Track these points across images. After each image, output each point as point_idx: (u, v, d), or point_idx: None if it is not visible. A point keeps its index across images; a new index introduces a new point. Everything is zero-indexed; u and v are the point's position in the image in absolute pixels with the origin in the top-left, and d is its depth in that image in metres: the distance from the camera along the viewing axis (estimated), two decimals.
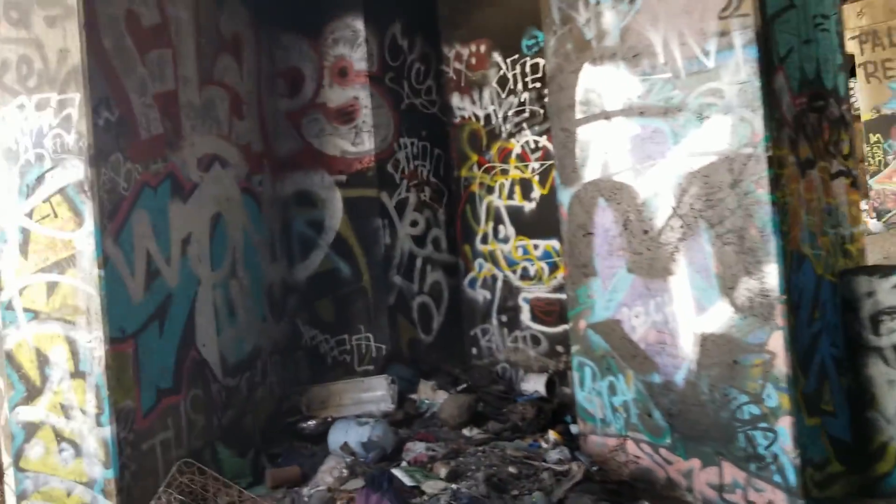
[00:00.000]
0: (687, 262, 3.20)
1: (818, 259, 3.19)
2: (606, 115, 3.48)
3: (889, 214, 16.17)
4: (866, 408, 3.23)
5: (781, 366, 2.91)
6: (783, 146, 3.04)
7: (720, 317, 3.09)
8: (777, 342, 2.92)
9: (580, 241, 3.63)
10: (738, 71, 3.01)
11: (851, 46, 16.53)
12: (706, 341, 3.14)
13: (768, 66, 3.01)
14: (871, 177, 16.93)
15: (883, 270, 3.26)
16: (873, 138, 16.41)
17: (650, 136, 3.31)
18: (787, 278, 2.95)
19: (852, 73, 18.78)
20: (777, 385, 2.92)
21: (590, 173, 3.57)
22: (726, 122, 3.05)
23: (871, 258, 13.51)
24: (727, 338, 3.07)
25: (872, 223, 17.34)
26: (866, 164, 17.24)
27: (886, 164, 16.07)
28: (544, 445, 3.66)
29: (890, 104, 15.93)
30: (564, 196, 3.71)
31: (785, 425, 2.91)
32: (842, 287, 3.29)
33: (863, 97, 16.58)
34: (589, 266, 3.59)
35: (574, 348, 3.69)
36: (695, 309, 3.18)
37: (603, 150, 3.51)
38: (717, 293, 3.10)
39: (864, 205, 17.69)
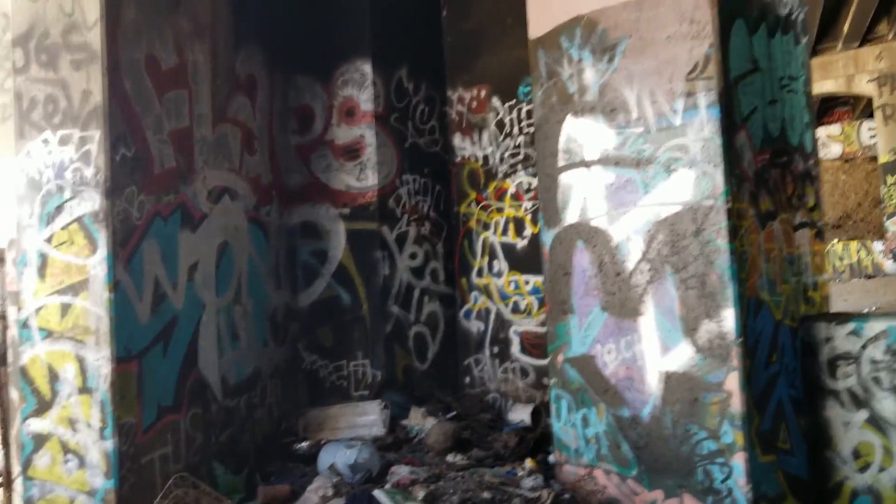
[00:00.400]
0: (654, 303, 3.41)
1: (777, 305, 3.39)
2: (586, 164, 3.72)
3: None
4: (823, 447, 3.41)
5: (737, 405, 3.10)
6: (743, 199, 3.26)
7: (683, 356, 3.29)
8: (733, 382, 3.11)
9: (560, 280, 3.85)
10: (702, 129, 3.24)
11: (870, 89, 16.73)
12: (670, 379, 3.34)
13: (730, 124, 3.24)
14: (888, 218, 17.02)
15: (840, 318, 3.45)
16: (891, 180, 16.52)
17: (624, 184, 3.54)
18: (744, 322, 3.15)
19: (871, 115, 18.91)
20: (733, 422, 3.11)
21: (570, 217, 3.79)
22: (691, 176, 3.27)
23: (885, 300, 13.50)
24: (689, 376, 3.27)
25: (889, 265, 17.37)
26: (883, 205, 17.30)
27: None
28: (520, 473, 3.86)
29: None
30: (547, 237, 3.94)
31: (739, 461, 3.09)
32: (802, 332, 3.49)
33: (881, 139, 16.71)
34: (567, 304, 3.80)
35: (552, 381, 3.90)
36: (660, 348, 3.38)
37: (582, 196, 3.73)
38: (681, 334, 3.30)
39: (880, 246, 17.71)
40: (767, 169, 3.46)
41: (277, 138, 5.14)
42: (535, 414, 4.67)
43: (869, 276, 16.97)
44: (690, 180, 3.28)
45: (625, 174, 3.53)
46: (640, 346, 3.46)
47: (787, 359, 3.40)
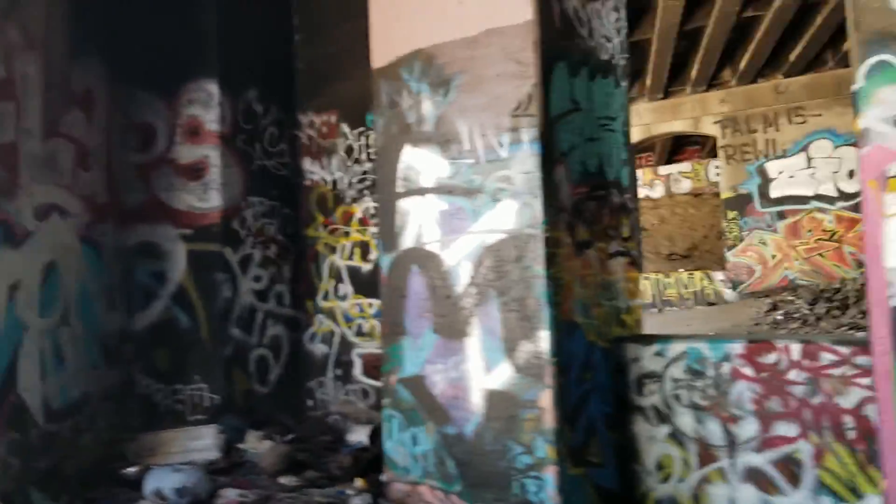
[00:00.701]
0: (480, 325, 3.58)
1: (591, 327, 3.64)
2: (421, 192, 3.86)
3: (743, 285, 17.51)
4: (631, 460, 3.67)
5: (549, 420, 3.30)
6: (560, 229, 3.49)
7: (503, 375, 3.47)
8: (546, 399, 3.31)
9: (395, 303, 3.96)
10: (524, 162, 3.46)
11: (714, 130, 18.07)
12: (492, 397, 3.50)
13: (550, 159, 3.47)
14: (728, 250, 18.36)
15: (647, 339, 3.74)
16: (731, 215, 17.86)
17: (455, 212, 3.70)
18: (558, 343, 3.37)
19: (714, 154, 20.40)
20: (545, 438, 3.31)
21: (406, 242, 3.92)
22: (514, 206, 3.48)
23: (722, 326, 14.51)
24: (508, 394, 3.45)
25: (728, 293, 18.71)
26: (724, 238, 18.68)
27: (741, 239, 17.48)
28: (350, 493, 3.91)
29: (745, 184, 17.45)
30: (385, 261, 4.05)
31: (550, 474, 3.28)
32: (614, 352, 3.76)
33: (723, 177, 18.09)
34: (401, 326, 3.91)
35: (385, 401, 3.99)
36: (484, 368, 3.54)
37: (418, 222, 3.87)
38: (502, 354, 3.48)
39: (721, 276, 19.04)
40: (585, 201, 3.72)
41: (116, 155, 5.00)
42: (374, 434, 4.74)
43: (710, 304, 18.21)
44: (514, 210, 3.48)
45: (457, 202, 3.70)
46: (467, 366, 3.61)
47: (599, 377, 3.65)
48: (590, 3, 3.96)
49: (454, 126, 3.73)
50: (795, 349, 3.29)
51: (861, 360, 3.10)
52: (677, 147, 25.34)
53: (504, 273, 3.50)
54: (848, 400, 3.15)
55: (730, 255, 18.12)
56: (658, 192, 26.78)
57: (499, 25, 3.58)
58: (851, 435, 3.13)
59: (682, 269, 19.84)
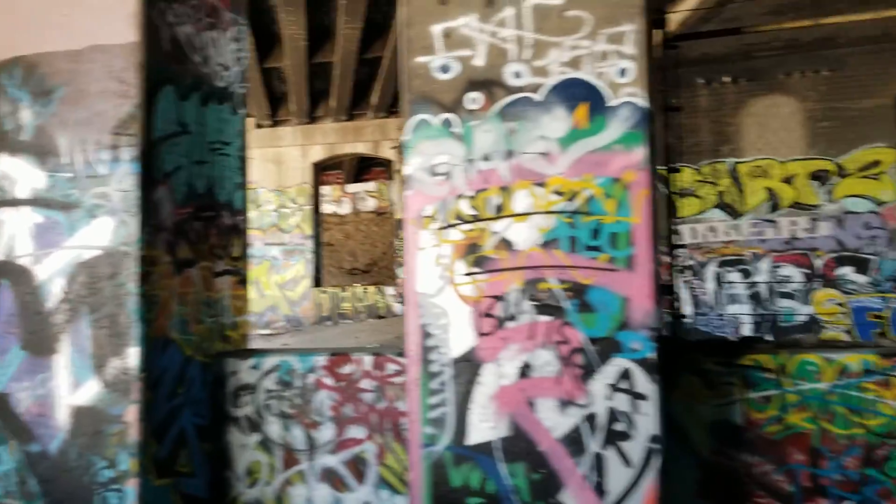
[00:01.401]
0: (70, 342, 3.55)
1: (189, 343, 3.80)
2: (15, 203, 3.73)
3: None
4: (224, 468, 3.88)
5: (134, 434, 3.39)
6: (157, 247, 3.61)
7: (91, 391, 3.48)
8: (132, 414, 3.40)
9: None
10: (123, 180, 3.52)
11: (392, 154, 19.30)
12: (79, 413, 3.50)
13: (150, 179, 3.58)
14: (399, 267, 19.66)
15: (245, 354, 4.00)
16: (403, 234, 19.18)
17: (51, 226, 3.64)
18: (148, 359, 3.48)
19: (392, 177, 21.71)
20: (129, 451, 3.39)
21: None
22: (111, 223, 3.53)
23: (386, 337, 15.34)
24: (95, 410, 3.47)
25: (398, 307, 20.00)
26: (396, 255, 19.96)
27: None
28: None
29: None
30: None
31: (132, 486, 3.37)
32: (215, 367, 3.95)
33: (398, 199, 19.33)
34: None
35: None
36: (72, 384, 3.52)
37: (10, 235, 3.73)
38: (91, 371, 3.49)
39: (392, 291, 20.30)
40: (190, 221, 3.88)
41: None
42: None
43: (380, 317, 19.35)
44: (110, 227, 3.53)
45: (53, 216, 3.64)
46: (54, 383, 3.56)
47: (195, 391, 3.82)
48: (206, 32, 4.15)
49: (54, 138, 3.67)
50: (368, 361, 3.77)
51: None
52: (365, 167, 26.63)
53: (97, 290, 3.52)
54: (405, 404, 3.68)
55: (400, 272, 19.42)
56: (345, 208, 27.88)
57: (103, 42, 3.63)
58: (406, 434, 3.66)
59: (357, 284, 20.80)
